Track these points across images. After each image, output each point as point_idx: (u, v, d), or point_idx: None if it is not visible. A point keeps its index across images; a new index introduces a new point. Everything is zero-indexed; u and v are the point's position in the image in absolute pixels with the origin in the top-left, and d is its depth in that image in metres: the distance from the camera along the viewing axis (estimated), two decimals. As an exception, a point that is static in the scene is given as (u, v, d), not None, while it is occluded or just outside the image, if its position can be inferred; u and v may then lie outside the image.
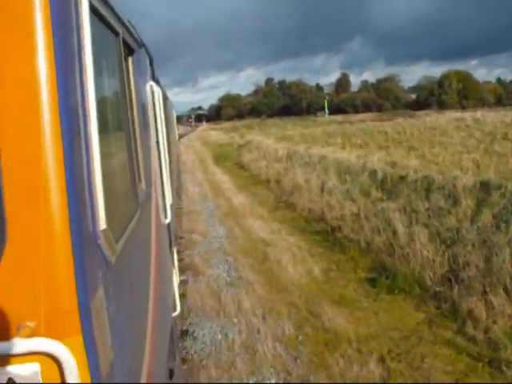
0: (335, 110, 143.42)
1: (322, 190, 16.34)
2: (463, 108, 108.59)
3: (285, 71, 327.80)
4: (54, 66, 1.58)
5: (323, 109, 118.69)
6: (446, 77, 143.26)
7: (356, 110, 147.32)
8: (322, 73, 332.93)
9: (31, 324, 1.53)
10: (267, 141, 39.12)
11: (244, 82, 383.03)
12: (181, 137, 75.67)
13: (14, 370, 1.51)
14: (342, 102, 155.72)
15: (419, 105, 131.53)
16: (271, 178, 22.00)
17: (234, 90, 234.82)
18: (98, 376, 1.64)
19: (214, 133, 78.51)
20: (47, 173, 1.55)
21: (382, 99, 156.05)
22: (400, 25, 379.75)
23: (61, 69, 1.61)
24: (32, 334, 1.52)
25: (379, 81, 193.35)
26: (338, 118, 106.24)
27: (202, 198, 20.58)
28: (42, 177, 1.55)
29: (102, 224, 1.87)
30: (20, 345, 1.48)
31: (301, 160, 23.49)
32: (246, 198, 19.36)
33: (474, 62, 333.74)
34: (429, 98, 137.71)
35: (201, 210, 17.73)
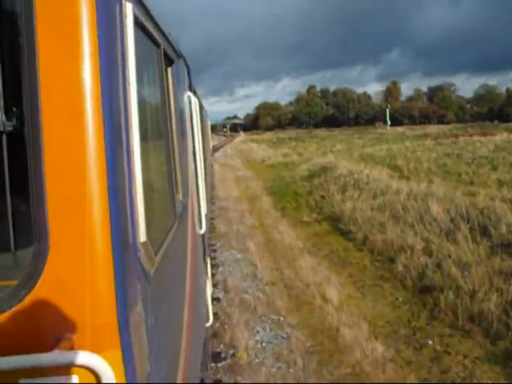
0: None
1: None
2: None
3: (322, 81, 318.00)
4: (98, 77, 1.58)
5: (384, 119, 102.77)
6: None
7: (413, 121, 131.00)
8: (358, 83, 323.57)
9: (71, 336, 1.53)
10: (353, 165, 24.23)
11: (280, 91, 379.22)
12: (215, 150, 61.49)
13: (53, 381, 1.50)
14: (397, 112, 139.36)
15: (489, 117, 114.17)
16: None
17: (270, 100, 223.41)
18: None
19: (256, 146, 63.79)
20: (90, 184, 1.56)
21: (442, 109, 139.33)
22: (439, 36, 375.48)
23: (105, 80, 1.61)
24: (71, 346, 1.52)
25: (432, 89, 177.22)
26: (400, 129, 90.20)
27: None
28: (85, 188, 1.56)
29: (142, 237, 1.86)
30: (59, 357, 1.46)
31: None
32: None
33: None
34: (506, 108, 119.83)
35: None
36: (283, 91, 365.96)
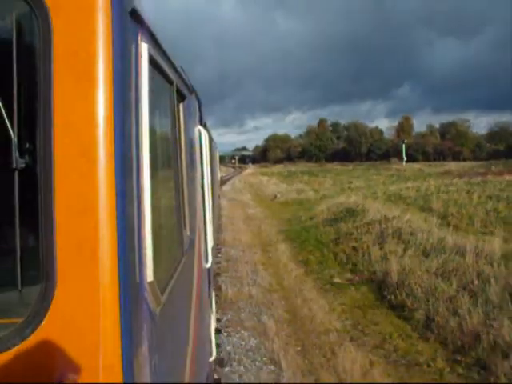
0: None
1: None
2: None
3: (331, 116, 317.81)
4: (112, 119, 1.60)
5: (400, 154, 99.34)
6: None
7: (427, 157, 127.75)
8: (367, 119, 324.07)
9: (74, 377, 1.53)
10: (384, 208, 20.85)
11: (289, 125, 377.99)
12: (223, 182, 58.21)
13: None
14: (410, 147, 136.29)
15: (507, 154, 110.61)
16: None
17: (279, 132, 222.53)
18: None
19: (267, 179, 60.43)
20: (100, 225, 1.56)
21: (457, 146, 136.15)
22: (448, 74, 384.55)
23: (118, 122, 1.63)
24: None
25: (444, 126, 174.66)
26: (417, 165, 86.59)
27: None
28: (95, 229, 1.56)
29: (150, 276, 1.86)
30: None
31: None
32: None
33: None
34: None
35: None
36: (292, 124, 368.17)
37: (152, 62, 2.10)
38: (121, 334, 1.54)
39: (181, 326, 2.91)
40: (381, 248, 14.14)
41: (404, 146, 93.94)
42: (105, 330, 1.53)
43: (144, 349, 1.74)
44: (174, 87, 3.04)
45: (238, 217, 27.41)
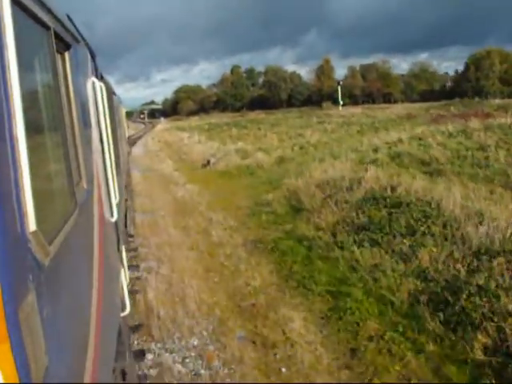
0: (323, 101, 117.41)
1: None
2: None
3: (240, 64, 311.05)
4: None
5: (334, 98, 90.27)
6: (483, 57, 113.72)
7: (355, 101, 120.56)
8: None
9: None
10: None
11: (197, 75, 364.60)
12: (132, 143, 46.05)
13: None
14: (336, 91, 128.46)
15: (442, 95, 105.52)
16: None
17: (189, 84, 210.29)
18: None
19: (187, 136, 49.39)
20: None
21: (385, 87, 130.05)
22: (355, 18, 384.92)
23: None
24: None
25: (364, 68, 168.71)
26: (357, 110, 77.83)
27: None
28: None
29: (32, 226, 1.85)
30: None
31: None
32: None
33: (424, 55, 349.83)
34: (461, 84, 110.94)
35: None
36: (201, 75, 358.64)
37: (16, 2, 1.95)
38: (1, 286, 1.48)
39: (79, 279, 2.86)
40: None
41: (339, 88, 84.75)
42: None
43: (30, 299, 1.69)
44: (52, 34, 2.81)
45: (161, 206, 16.73)
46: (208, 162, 27.94)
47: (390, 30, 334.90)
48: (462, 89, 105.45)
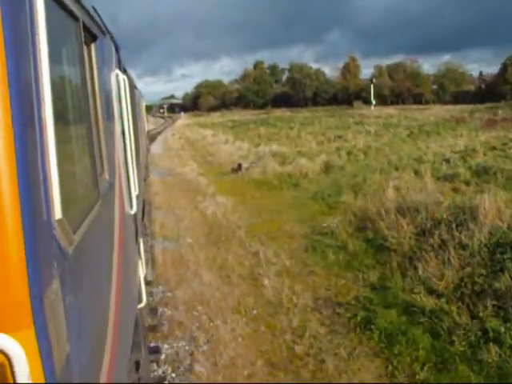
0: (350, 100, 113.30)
1: None
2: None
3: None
4: (3, 51, 1.49)
5: (367, 98, 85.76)
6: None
7: (383, 101, 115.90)
8: None
9: None
10: None
11: (217, 71, 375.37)
12: (151, 139, 42.35)
13: None
14: (364, 90, 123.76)
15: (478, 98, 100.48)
16: None
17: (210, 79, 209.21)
18: (52, 370, 1.61)
19: (211, 134, 45.87)
20: None
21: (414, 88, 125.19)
22: (378, 18, 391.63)
23: (12, 54, 1.51)
24: None
25: (390, 67, 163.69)
26: (390, 110, 73.47)
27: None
28: None
29: (58, 214, 1.84)
30: None
31: None
32: None
33: (446, 57, 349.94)
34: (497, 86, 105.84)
35: None
36: (221, 71, 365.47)
37: None
38: (27, 271, 1.48)
39: (100, 268, 2.86)
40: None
41: (372, 87, 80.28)
42: (10, 268, 1.47)
43: (55, 286, 1.70)
44: (80, 25, 2.79)
45: (187, 228, 12.97)
46: (239, 166, 24.12)
47: (411, 31, 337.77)
48: (500, 91, 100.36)
